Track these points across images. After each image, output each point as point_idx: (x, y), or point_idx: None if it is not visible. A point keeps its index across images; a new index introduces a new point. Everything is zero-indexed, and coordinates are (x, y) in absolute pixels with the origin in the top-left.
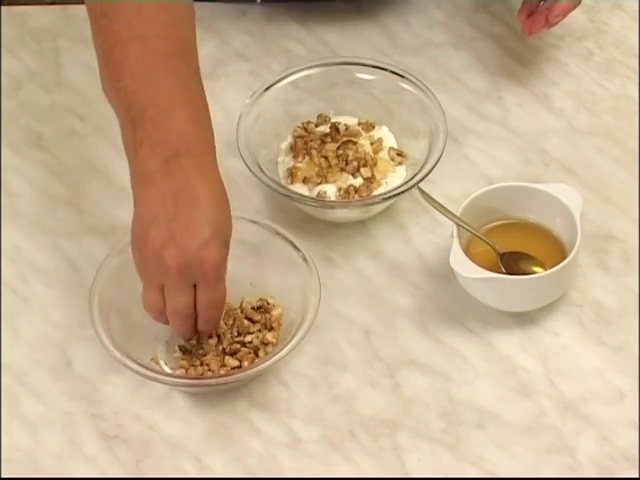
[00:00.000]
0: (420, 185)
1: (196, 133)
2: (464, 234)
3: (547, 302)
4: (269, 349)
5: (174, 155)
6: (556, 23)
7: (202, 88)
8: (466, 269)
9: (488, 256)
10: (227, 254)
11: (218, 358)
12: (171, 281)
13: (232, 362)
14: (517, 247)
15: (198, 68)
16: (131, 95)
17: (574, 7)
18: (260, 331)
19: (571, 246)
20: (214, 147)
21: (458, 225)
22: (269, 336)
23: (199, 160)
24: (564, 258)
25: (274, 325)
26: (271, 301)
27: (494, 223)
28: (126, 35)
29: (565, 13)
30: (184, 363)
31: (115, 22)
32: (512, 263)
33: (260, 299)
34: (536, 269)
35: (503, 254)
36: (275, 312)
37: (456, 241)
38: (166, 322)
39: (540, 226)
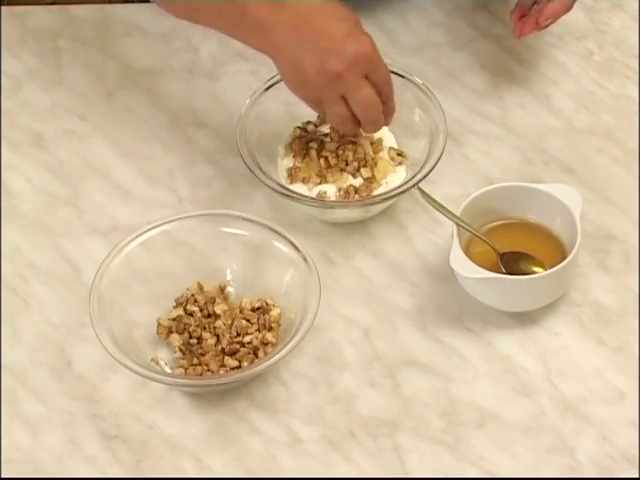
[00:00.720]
0: (420, 185)
1: None
2: (464, 234)
3: (547, 302)
4: (268, 349)
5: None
6: (546, 26)
7: None
8: (466, 269)
9: (488, 256)
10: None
11: (217, 358)
12: (348, 84)
13: (231, 362)
14: (517, 247)
15: None
16: None
17: (565, 10)
18: (259, 331)
19: (571, 246)
20: None
21: (458, 225)
22: (269, 336)
23: None
24: (564, 258)
25: (273, 325)
26: (270, 302)
27: (494, 223)
28: None
29: (556, 16)
30: (184, 363)
31: None
32: (512, 263)
33: (259, 299)
34: (536, 269)
35: (503, 254)
36: (274, 312)
37: (456, 241)
38: (358, 125)
39: (540, 226)
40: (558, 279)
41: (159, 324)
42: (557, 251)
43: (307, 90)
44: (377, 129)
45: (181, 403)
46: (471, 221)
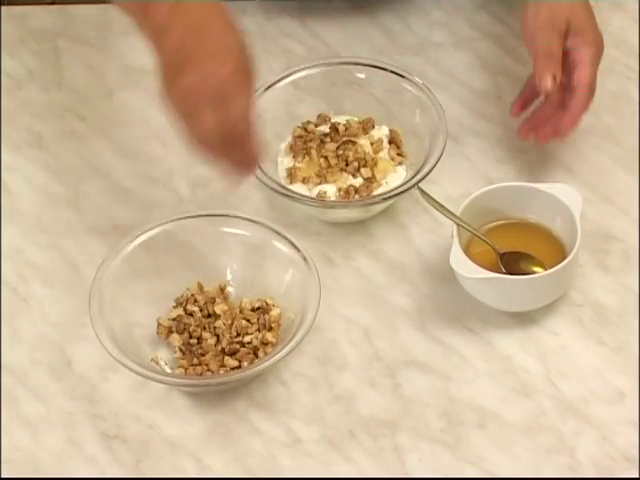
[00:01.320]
0: (420, 185)
1: None
2: (464, 234)
3: (547, 302)
4: (268, 349)
5: (177, 1)
6: (569, 134)
7: None
8: (466, 269)
9: (488, 256)
10: (243, 71)
11: (217, 358)
12: (200, 101)
13: (231, 362)
14: (517, 247)
15: None
16: None
17: (587, 106)
18: (259, 331)
19: (571, 246)
20: None
21: (458, 225)
22: (269, 336)
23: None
24: (564, 258)
25: (273, 325)
26: (270, 302)
27: (494, 223)
28: None
29: (578, 122)
30: (184, 363)
31: None
32: (512, 263)
33: (259, 299)
34: (536, 269)
35: (503, 254)
36: (274, 312)
37: (456, 241)
38: (219, 151)
39: (540, 226)
40: (558, 279)
41: (159, 324)
42: (557, 251)
43: (168, 100)
44: (238, 167)
45: (181, 403)
46: (471, 221)
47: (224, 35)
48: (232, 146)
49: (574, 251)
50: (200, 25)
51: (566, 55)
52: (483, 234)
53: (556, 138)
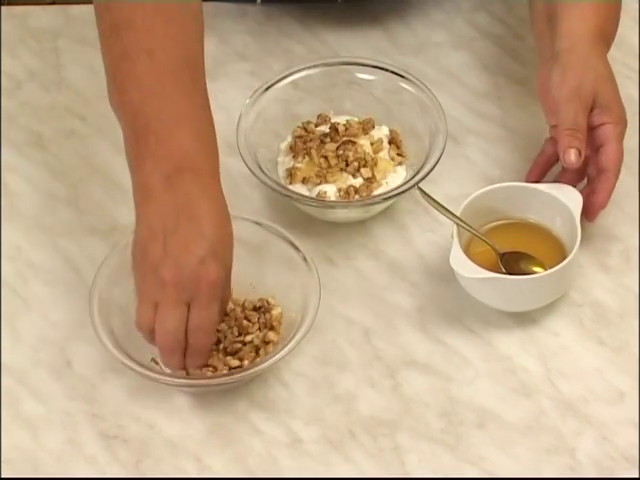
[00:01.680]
0: (420, 185)
1: (200, 149)
2: (464, 234)
3: (547, 302)
4: (270, 349)
5: (177, 171)
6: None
7: (208, 104)
8: (466, 269)
9: (488, 256)
10: (225, 275)
11: (218, 358)
12: (165, 297)
13: (233, 362)
14: (517, 247)
15: (205, 84)
16: (136, 108)
17: (614, 186)
18: (260, 330)
19: (571, 246)
20: (218, 164)
21: (458, 225)
22: (271, 335)
23: (202, 177)
24: (564, 258)
25: (274, 324)
26: (272, 301)
27: (494, 223)
28: (134, 49)
29: (608, 201)
30: None
31: (124, 36)
32: (512, 263)
33: (260, 299)
34: (536, 269)
35: (503, 254)
36: (275, 312)
37: (456, 241)
38: (155, 343)
39: (540, 226)
40: (558, 279)
41: None
42: (557, 251)
43: (136, 273)
44: (170, 367)
45: (181, 403)
46: (471, 221)
47: (216, 228)
48: (181, 350)
49: (574, 251)
50: (193, 213)
51: (592, 129)
52: (483, 234)
53: (585, 220)
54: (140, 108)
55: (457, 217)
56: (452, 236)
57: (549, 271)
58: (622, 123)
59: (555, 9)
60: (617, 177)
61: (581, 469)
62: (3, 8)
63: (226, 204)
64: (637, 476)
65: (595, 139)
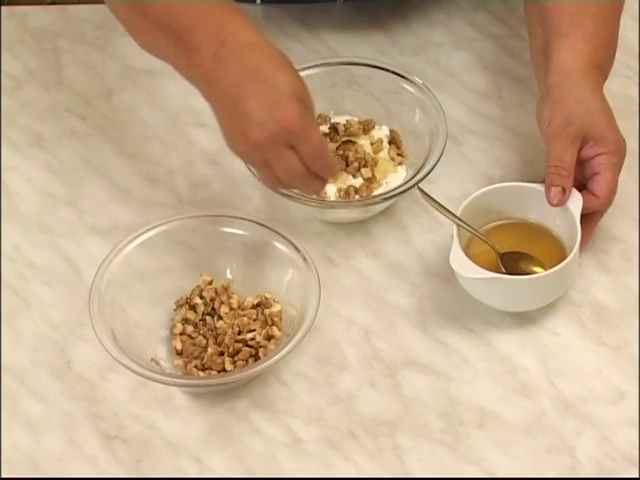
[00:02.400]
0: (420, 185)
1: (228, 19)
2: (464, 234)
3: (547, 302)
4: (272, 346)
5: (220, 46)
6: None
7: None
8: (466, 269)
9: (488, 256)
10: (305, 107)
11: (218, 358)
12: (269, 153)
13: (232, 362)
14: (517, 247)
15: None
16: (164, 19)
17: (602, 214)
18: (262, 327)
19: (571, 246)
20: (251, 22)
21: (458, 225)
22: (274, 330)
23: (243, 39)
24: (564, 258)
25: (275, 319)
26: (269, 296)
27: (494, 223)
28: None
29: (594, 231)
30: (184, 363)
31: None
32: (512, 263)
33: (258, 295)
34: (536, 269)
35: (503, 254)
36: (274, 309)
37: (456, 241)
38: (287, 187)
39: (540, 226)
40: (558, 279)
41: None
42: (557, 251)
43: (237, 151)
44: (314, 192)
45: (181, 403)
46: (471, 221)
47: (276, 74)
48: (314, 177)
49: (574, 251)
50: (250, 70)
51: (586, 161)
52: (483, 234)
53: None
54: (163, 17)
55: (457, 217)
56: (452, 237)
57: (549, 271)
58: (618, 153)
59: (549, 42)
60: (605, 207)
61: (581, 469)
62: (3, 8)
63: (279, 50)
64: (637, 476)
65: (588, 170)
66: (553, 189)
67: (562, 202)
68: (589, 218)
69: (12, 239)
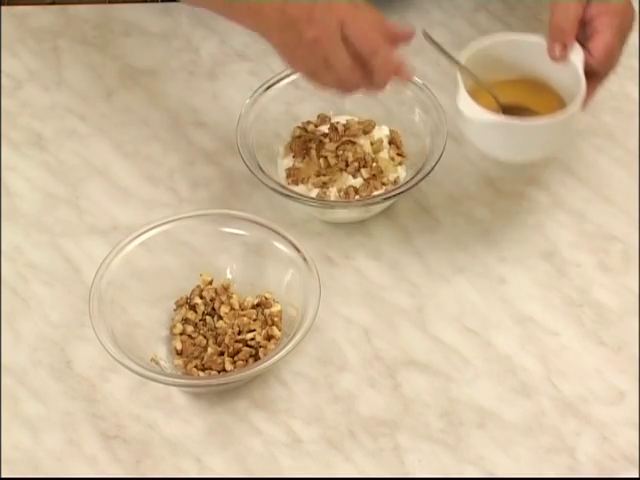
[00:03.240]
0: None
1: None
2: (466, 87)
3: (551, 152)
4: (272, 346)
5: None
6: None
7: None
8: (476, 113)
9: (490, 109)
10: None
11: (218, 358)
12: (327, 50)
13: (232, 362)
14: (519, 101)
15: None
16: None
17: (604, 78)
18: (262, 327)
19: (574, 101)
20: None
21: (461, 72)
22: (274, 330)
23: None
24: None
25: (275, 319)
26: (269, 296)
27: (498, 78)
28: None
29: (594, 92)
30: (184, 363)
31: None
32: (513, 116)
33: (257, 295)
34: None
35: (505, 107)
36: (274, 309)
37: (462, 87)
38: (355, 88)
39: (543, 82)
40: (564, 127)
41: (173, 333)
42: (559, 106)
43: (298, 64)
44: (378, 87)
45: (181, 403)
46: (475, 73)
47: None
48: (372, 69)
49: (579, 97)
50: None
51: (588, 22)
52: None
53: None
54: None
55: (461, 65)
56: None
57: (561, 116)
58: (621, 15)
59: None
60: (602, 67)
61: (581, 469)
62: (3, 8)
63: None
64: (637, 476)
65: (589, 30)
66: (554, 44)
67: (563, 57)
68: (588, 81)
69: (12, 239)
